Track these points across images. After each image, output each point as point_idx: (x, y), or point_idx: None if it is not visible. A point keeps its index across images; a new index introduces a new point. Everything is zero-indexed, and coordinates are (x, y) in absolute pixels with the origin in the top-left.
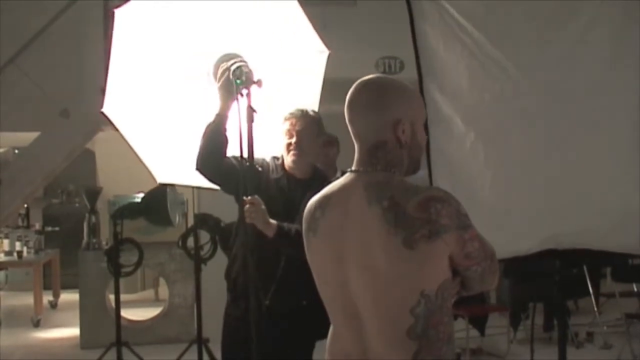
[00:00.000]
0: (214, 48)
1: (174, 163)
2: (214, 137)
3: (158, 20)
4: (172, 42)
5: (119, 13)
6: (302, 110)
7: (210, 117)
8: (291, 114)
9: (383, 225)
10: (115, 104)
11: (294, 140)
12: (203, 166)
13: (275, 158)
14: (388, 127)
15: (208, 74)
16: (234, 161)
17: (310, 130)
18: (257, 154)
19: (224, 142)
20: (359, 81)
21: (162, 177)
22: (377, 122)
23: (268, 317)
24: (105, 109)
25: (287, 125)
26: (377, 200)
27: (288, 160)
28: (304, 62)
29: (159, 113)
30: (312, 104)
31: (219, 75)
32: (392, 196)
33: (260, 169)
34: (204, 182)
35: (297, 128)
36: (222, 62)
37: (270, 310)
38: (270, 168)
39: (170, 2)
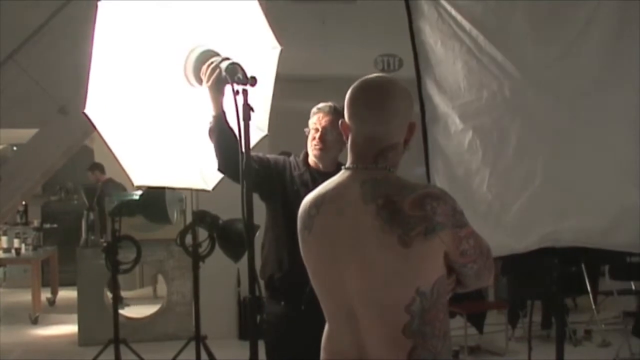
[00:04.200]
0: (183, 46)
1: (151, 165)
2: (224, 137)
3: (136, 17)
4: (147, 40)
5: (102, 5)
6: (329, 106)
7: (190, 117)
8: (318, 108)
9: (378, 223)
10: (96, 104)
11: (318, 134)
12: (225, 168)
13: (296, 155)
14: (404, 130)
15: (186, 72)
16: (255, 159)
17: (335, 125)
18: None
19: (234, 138)
20: (374, 81)
21: (139, 179)
22: (398, 124)
23: (304, 320)
24: (87, 110)
25: (314, 119)
26: (373, 198)
27: (312, 154)
28: (256, 58)
29: (136, 114)
30: (264, 98)
31: (207, 74)
32: (388, 194)
33: (281, 165)
34: (181, 183)
35: (322, 123)
36: (204, 60)
37: (306, 314)
38: (292, 165)
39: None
